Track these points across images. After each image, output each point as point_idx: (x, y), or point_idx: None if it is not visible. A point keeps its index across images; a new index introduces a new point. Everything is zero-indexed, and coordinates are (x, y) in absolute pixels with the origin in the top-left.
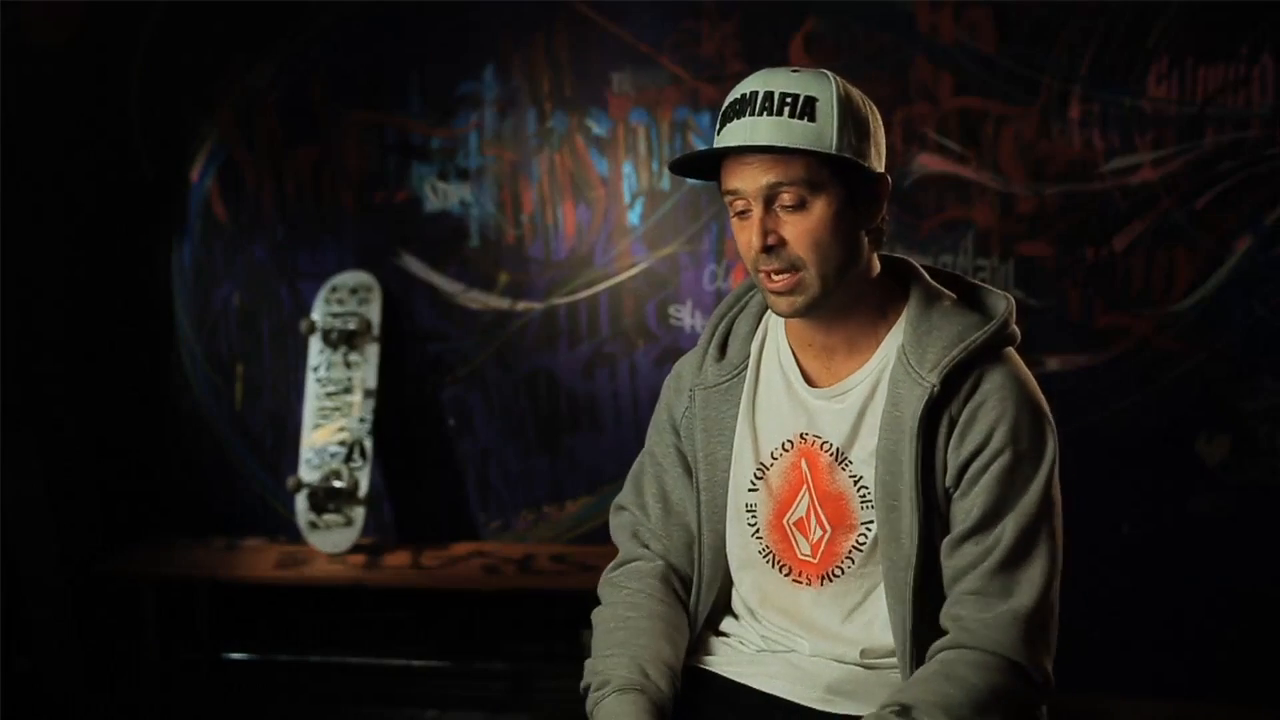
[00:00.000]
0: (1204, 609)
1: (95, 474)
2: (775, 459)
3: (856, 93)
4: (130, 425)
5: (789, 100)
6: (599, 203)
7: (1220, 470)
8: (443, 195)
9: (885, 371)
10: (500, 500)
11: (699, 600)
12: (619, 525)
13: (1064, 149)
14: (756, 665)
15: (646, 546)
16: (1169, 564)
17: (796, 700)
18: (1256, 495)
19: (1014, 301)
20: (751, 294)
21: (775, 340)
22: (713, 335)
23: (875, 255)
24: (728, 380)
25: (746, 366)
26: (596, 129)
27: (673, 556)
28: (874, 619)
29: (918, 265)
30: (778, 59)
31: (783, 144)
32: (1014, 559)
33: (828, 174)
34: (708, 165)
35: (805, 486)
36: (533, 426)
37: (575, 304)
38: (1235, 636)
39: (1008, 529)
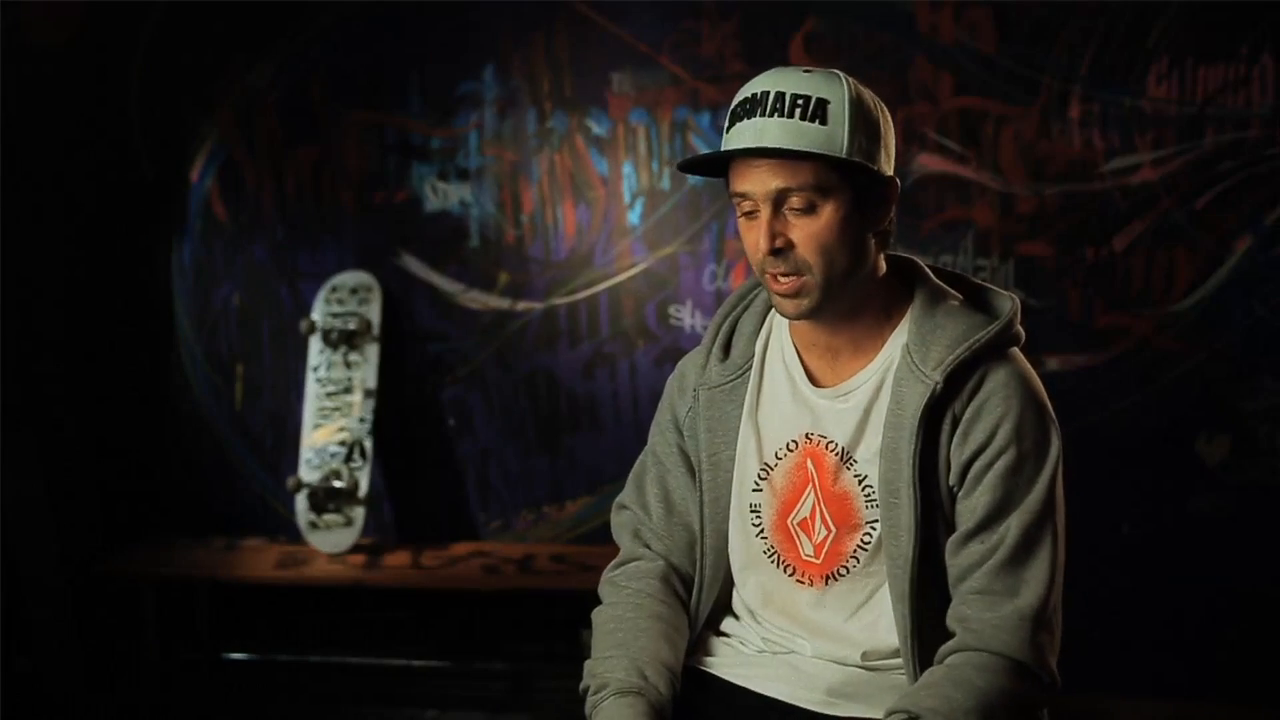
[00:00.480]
0: (1204, 609)
1: (95, 474)
2: (779, 459)
3: (868, 94)
4: (130, 425)
5: (800, 102)
6: (599, 203)
7: (1220, 470)
8: (443, 195)
9: (890, 370)
10: (500, 500)
11: (700, 600)
12: (620, 524)
13: (1064, 149)
14: (757, 667)
15: (648, 546)
16: (1169, 564)
17: (797, 703)
18: (1256, 495)
19: (1019, 302)
20: (755, 293)
21: (780, 340)
22: (716, 334)
23: (881, 256)
24: (732, 380)
25: (750, 366)
26: (596, 129)
27: (674, 556)
28: (878, 618)
29: (923, 265)
30: (778, 59)
31: (793, 147)
32: (1018, 557)
33: (837, 178)
34: (715, 163)
35: (811, 486)
36: (533, 426)
37: (575, 304)
38: (1235, 636)
39: (1012, 527)
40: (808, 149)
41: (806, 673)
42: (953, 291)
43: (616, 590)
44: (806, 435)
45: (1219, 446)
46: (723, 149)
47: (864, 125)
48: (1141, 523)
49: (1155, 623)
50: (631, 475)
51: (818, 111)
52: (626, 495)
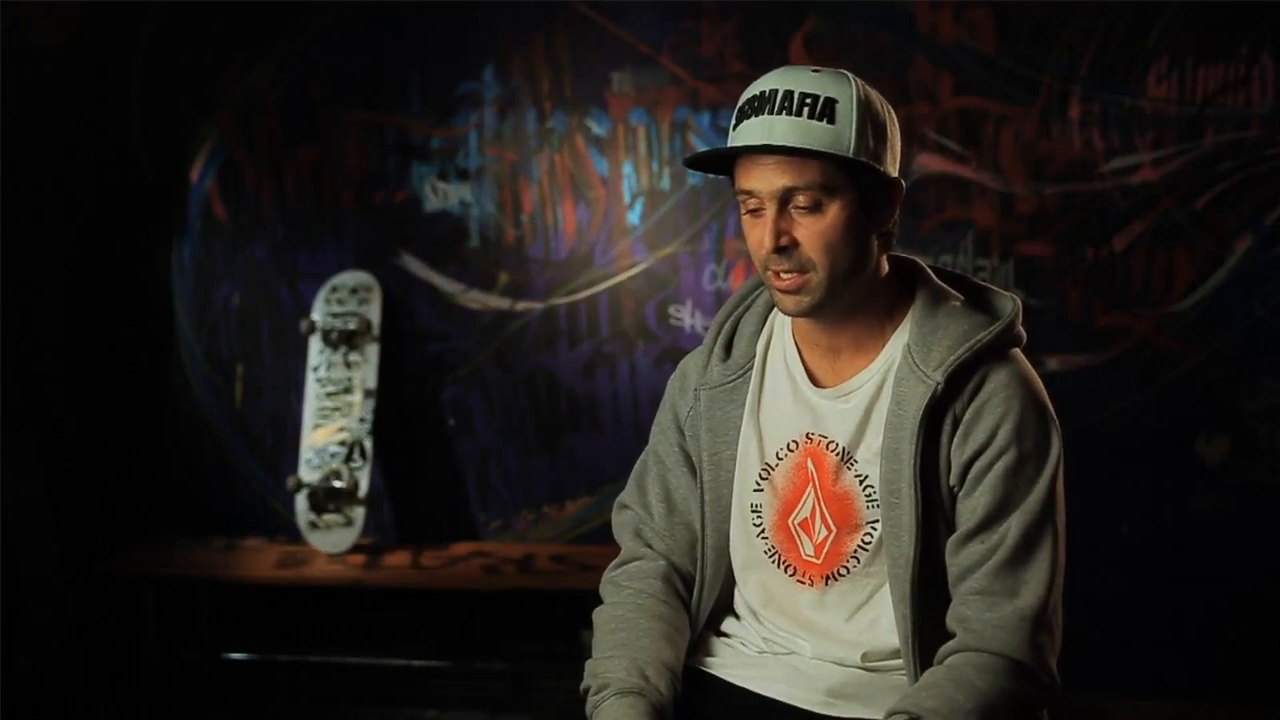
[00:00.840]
0: (1204, 609)
1: (95, 474)
2: (780, 459)
3: (876, 95)
4: (130, 425)
5: (809, 101)
6: (599, 203)
7: (1220, 470)
8: (443, 195)
9: (891, 370)
10: (500, 500)
11: (700, 600)
12: (621, 524)
13: (1064, 149)
14: (757, 668)
15: (649, 546)
16: (1169, 564)
17: (797, 704)
18: (1256, 495)
19: (1020, 303)
20: (757, 293)
21: (781, 340)
22: (718, 334)
23: (884, 257)
24: (733, 380)
25: (751, 367)
26: (596, 129)
27: (675, 556)
28: (878, 619)
29: (924, 266)
30: (778, 59)
31: (800, 145)
32: (1018, 557)
33: (844, 178)
34: (721, 160)
35: (811, 486)
36: (533, 426)
37: (575, 304)
38: (1235, 636)
39: (1012, 527)
40: (815, 147)
41: (806, 673)
42: (954, 292)
43: (618, 590)
44: (807, 435)
45: (1219, 446)
46: (729, 146)
47: (871, 126)
48: (1141, 523)
49: (1155, 623)
50: (633, 475)
51: (826, 110)
52: (628, 495)
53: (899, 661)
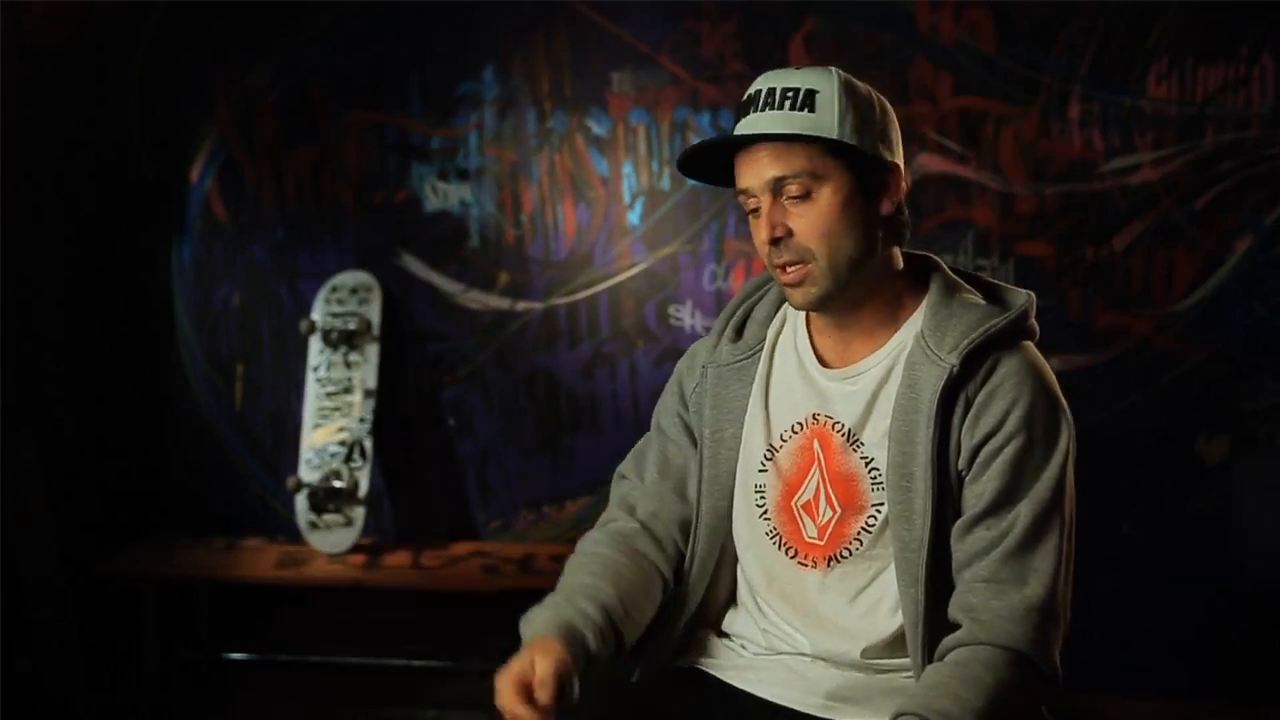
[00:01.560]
0: (1204, 609)
1: (95, 474)
2: (785, 440)
3: (863, 86)
4: (130, 425)
5: (790, 94)
6: (599, 203)
7: (1220, 470)
8: (443, 195)
9: (901, 355)
10: (500, 500)
11: (692, 574)
12: (616, 494)
13: (1064, 149)
14: (756, 670)
15: (630, 512)
16: (1169, 564)
17: (796, 707)
18: (1257, 495)
19: (1034, 297)
20: (772, 283)
21: (793, 325)
22: (730, 318)
23: (897, 251)
24: (741, 360)
25: (761, 348)
26: (596, 129)
27: (659, 520)
28: (879, 602)
29: (939, 261)
30: (778, 59)
31: (779, 132)
32: (1027, 546)
33: (832, 163)
34: (724, 171)
35: (816, 467)
36: (533, 426)
37: (575, 304)
38: (1235, 636)
39: (1021, 515)
40: (793, 131)
41: (806, 676)
42: (968, 285)
43: (580, 545)
44: (814, 416)
45: (1219, 446)
46: (712, 139)
47: (854, 111)
48: (1141, 523)
49: (1155, 623)
50: (634, 449)
51: (807, 101)
52: (626, 465)
53: (899, 661)
